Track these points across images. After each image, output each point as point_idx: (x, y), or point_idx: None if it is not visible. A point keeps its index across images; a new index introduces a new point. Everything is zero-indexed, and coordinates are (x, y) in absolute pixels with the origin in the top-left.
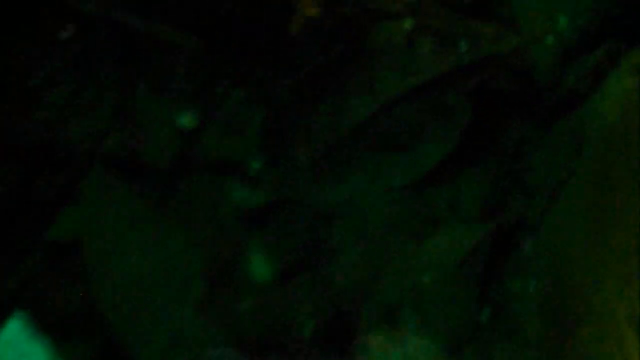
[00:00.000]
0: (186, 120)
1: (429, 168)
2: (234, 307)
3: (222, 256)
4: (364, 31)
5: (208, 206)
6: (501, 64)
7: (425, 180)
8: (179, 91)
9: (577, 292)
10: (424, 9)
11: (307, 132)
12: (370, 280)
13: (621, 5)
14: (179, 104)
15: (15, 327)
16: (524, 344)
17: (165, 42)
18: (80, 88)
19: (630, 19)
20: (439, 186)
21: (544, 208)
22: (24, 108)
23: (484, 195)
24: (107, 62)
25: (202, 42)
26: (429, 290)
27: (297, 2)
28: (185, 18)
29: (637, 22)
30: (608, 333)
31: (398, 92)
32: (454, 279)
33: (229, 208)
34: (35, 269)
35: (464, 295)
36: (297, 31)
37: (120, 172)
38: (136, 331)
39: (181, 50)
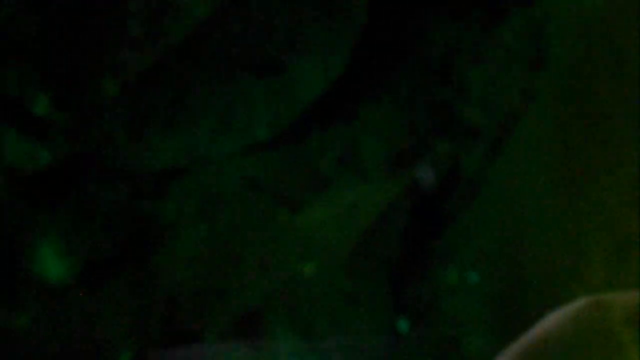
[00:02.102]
0: None
1: (309, 101)
2: (9, 323)
3: None
4: None
5: None
6: None
7: (302, 122)
8: None
9: (550, 280)
10: None
11: (116, 49)
12: (220, 275)
13: None
14: None
15: None
16: None
17: None
18: None
19: None
20: (324, 129)
21: (487, 152)
22: None
23: (392, 138)
24: None
25: None
26: (310, 286)
27: None
28: None
29: None
30: None
31: None
32: (349, 270)
33: (1, 172)
34: None
35: (368, 293)
36: None
37: None
38: None
39: None
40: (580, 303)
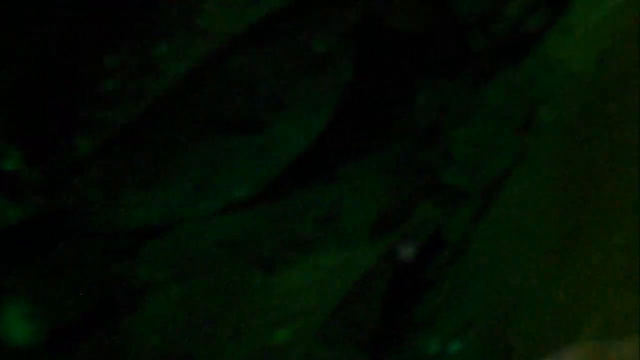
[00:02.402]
0: None
1: (289, 160)
2: None
3: None
4: None
5: None
6: None
7: (282, 182)
8: None
9: (536, 351)
10: None
11: (91, 105)
12: (193, 341)
13: None
14: None
15: None
16: None
17: None
18: None
19: None
20: (305, 190)
21: (472, 216)
22: None
23: (375, 200)
24: None
25: None
26: (285, 354)
27: None
28: None
29: None
30: None
31: (235, 33)
32: (326, 337)
33: None
34: None
35: None
36: None
37: None
38: None
39: None
40: (578, 349)
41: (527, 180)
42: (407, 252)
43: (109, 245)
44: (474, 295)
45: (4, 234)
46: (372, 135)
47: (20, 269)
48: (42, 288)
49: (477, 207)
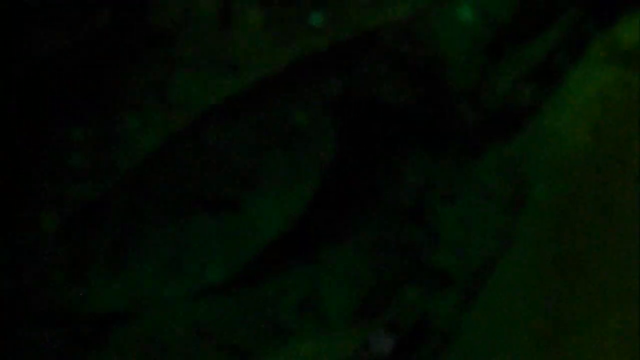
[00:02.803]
0: None
1: (266, 242)
2: None
3: None
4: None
5: None
6: (386, 51)
7: (259, 265)
8: None
9: None
10: None
11: (57, 180)
12: None
13: None
14: None
15: None
16: None
17: None
18: None
19: None
20: (284, 273)
21: (460, 300)
22: None
23: (357, 283)
24: None
25: None
26: None
27: None
28: None
29: None
30: None
31: (208, 106)
32: None
33: None
34: None
35: None
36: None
37: None
38: None
39: None
40: None
41: (517, 264)
42: (390, 339)
43: (75, 330)
44: None
45: None
46: (355, 215)
47: None
48: None
49: (465, 291)
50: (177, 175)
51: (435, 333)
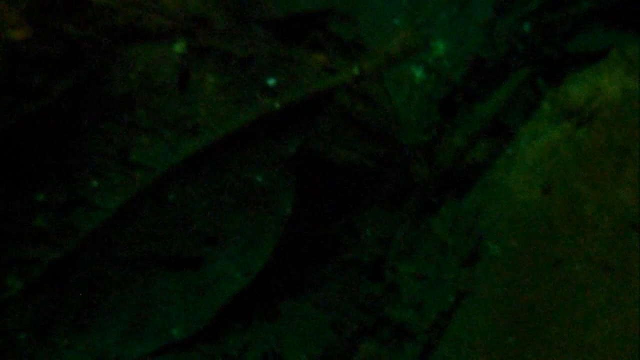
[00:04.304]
0: None
1: (228, 298)
2: None
3: None
4: (106, 61)
5: None
6: (341, 110)
7: (221, 320)
8: None
9: None
10: (207, 23)
11: (21, 242)
12: None
13: (532, 24)
14: None
15: None
16: None
17: None
18: None
19: (549, 42)
20: (245, 328)
21: (417, 354)
22: None
23: (319, 337)
24: None
25: None
26: None
27: None
28: None
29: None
30: None
31: (167, 168)
32: None
33: None
34: None
35: None
36: None
37: None
38: None
39: None
40: None
41: (474, 318)
42: None
43: None
44: None
45: None
46: (315, 271)
47: None
48: None
49: (423, 344)
50: (139, 235)
51: None
